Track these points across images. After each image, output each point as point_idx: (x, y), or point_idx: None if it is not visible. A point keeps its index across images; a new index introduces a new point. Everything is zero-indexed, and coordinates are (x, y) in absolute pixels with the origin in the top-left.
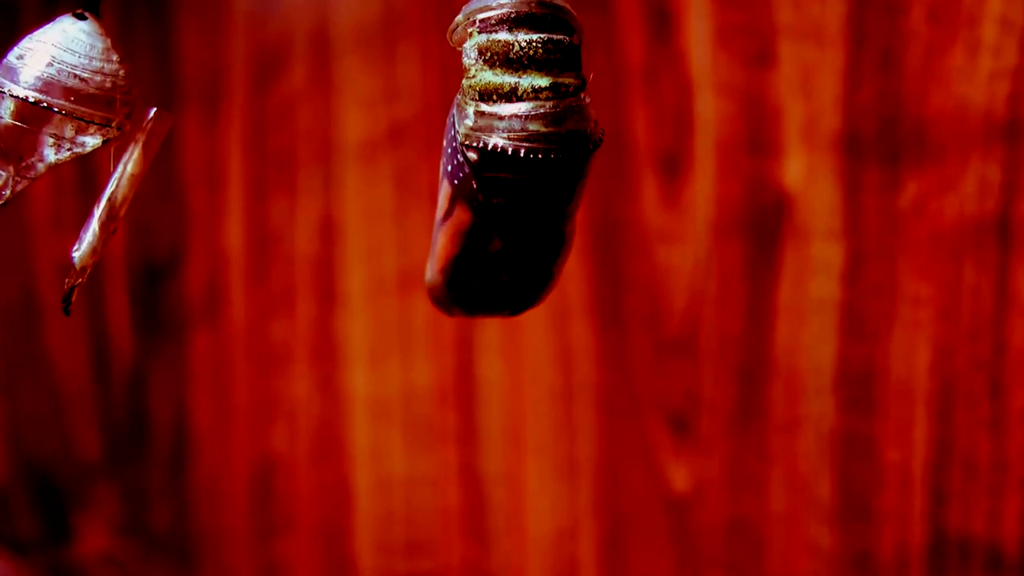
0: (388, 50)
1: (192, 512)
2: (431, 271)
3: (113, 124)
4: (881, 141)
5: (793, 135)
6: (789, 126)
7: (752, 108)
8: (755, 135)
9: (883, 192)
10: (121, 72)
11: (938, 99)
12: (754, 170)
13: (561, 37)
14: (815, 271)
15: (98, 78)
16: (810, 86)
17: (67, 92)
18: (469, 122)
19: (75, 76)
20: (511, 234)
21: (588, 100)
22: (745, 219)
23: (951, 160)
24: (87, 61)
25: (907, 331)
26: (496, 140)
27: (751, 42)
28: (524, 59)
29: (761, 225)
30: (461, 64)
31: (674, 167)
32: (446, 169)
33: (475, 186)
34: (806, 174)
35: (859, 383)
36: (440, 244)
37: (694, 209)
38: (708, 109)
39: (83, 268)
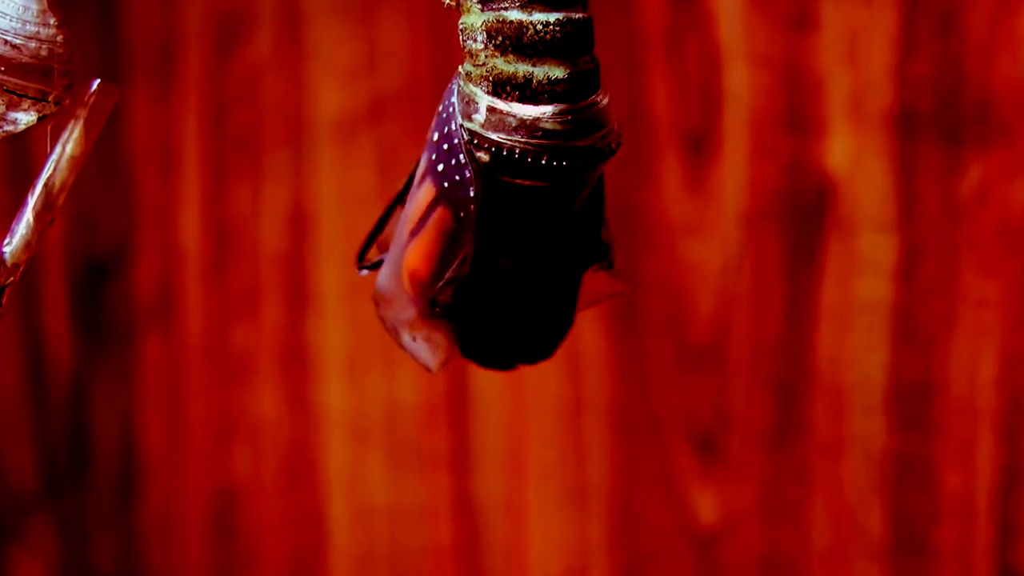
0: (369, 12)
1: (141, 548)
2: (385, 277)
3: (50, 98)
4: (939, 118)
5: (838, 111)
6: (833, 101)
7: (790, 80)
8: (794, 111)
9: (942, 177)
10: (59, 38)
11: (1005, 69)
12: (793, 152)
13: (580, 15)
14: (863, 269)
15: (32, 45)
16: (857, 54)
17: None
18: (480, 118)
19: (6, 42)
20: (511, 252)
21: (606, 100)
22: (782, 208)
23: (1020, 140)
24: (20, 25)
25: (969, 338)
26: (511, 142)
27: (789, 3)
28: (540, 44)
29: (801, 215)
30: (459, 42)
31: (700, 148)
32: (436, 168)
33: (472, 193)
34: (853, 156)
35: (914, 398)
36: (412, 253)
37: (723, 197)
38: (740, 81)
39: (15, 265)
